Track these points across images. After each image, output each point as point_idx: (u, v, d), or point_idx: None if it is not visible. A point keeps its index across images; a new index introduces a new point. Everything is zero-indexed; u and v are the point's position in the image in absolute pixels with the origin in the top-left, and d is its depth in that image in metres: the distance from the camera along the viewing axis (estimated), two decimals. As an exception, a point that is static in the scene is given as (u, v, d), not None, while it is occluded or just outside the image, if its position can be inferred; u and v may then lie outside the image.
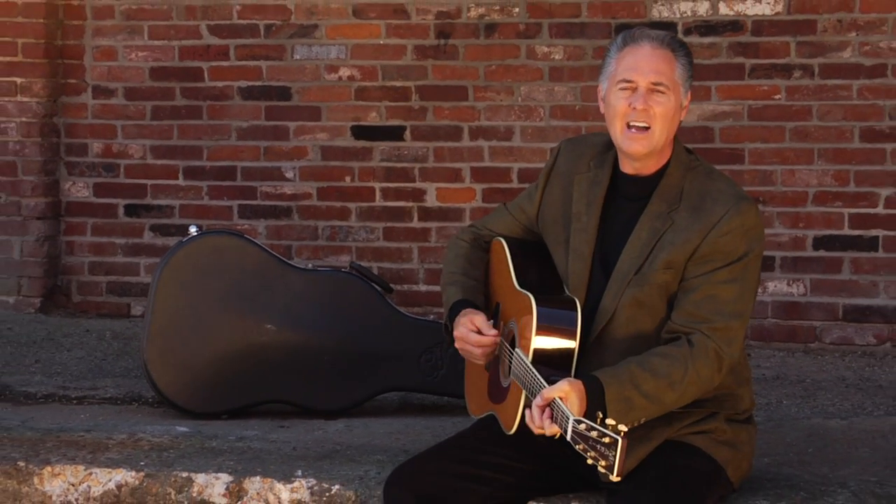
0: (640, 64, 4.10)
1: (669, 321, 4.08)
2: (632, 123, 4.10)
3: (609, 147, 4.24)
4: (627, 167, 4.20)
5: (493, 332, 4.20)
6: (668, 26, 6.99)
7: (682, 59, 4.14)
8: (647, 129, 4.10)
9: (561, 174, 4.32)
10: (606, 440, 3.68)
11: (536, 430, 3.90)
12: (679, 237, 4.09)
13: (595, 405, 3.86)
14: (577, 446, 3.74)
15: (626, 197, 4.20)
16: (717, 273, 4.06)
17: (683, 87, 4.14)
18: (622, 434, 3.67)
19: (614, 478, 3.68)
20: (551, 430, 3.85)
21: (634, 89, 4.10)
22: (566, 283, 4.22)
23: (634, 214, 4.16)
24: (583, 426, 3.72)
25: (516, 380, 4.09)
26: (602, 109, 4.20)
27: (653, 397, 3.96)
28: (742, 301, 4.08)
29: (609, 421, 3.70)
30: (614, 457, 3.66)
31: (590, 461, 3.72)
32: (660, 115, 4.09)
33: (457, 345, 4.26)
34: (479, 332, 4.21)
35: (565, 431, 3.77)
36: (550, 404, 3.86)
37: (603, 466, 3.69)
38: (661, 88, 4.09)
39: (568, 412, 3.78)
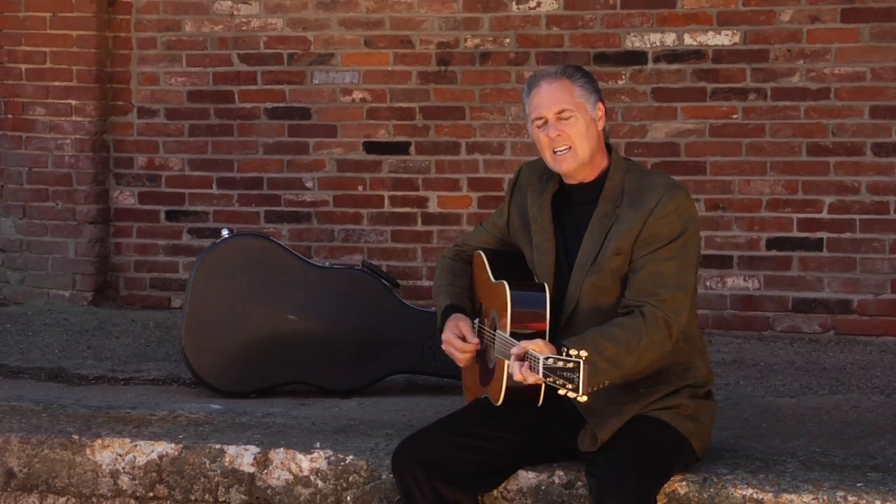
0: (543, 101, 4.19)
1: (623, 298, 4.12)
2: (556, 150, 4.17)
3: None
4: (570, 179, 4.27)
5: (476, 340, 4.26)
6: (640, 55, 6.99)
7: (578, 81, 4.21)
8: (569, 148, 4.16)
9: (521, 189, 4.41)
10: (570, 365, 3.74)
11: (517, 378, 3.91)
12: (624, 227, 4.14)
13: None
14: (548, 380, 3.78)
15: (577, 203, 4.28)
16: (658, 252, 4.10)
17: (589, 103, 4.21)
18: (584, 358, 3.73)
19: (580, 398, 3.74)
20: (532, 377, 3.86)
21: (546, 122, 4.17)
22: (535, 275, 4.29)
23: (587, 216, 4.23)
24: (550, 360, 3.78)
25: (500, 356, 4.11)
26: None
27: (614, 362, 3.98)
28: (683, 274, 4.11)
29: (572, 351, 3.76)
30: (578, 378, 3.72)
31: (561, 391, 3.76)
32: (575, 135, 4.17)
33: (444, 347, 4.30)
34: (464, 338, 4.25)
35: (538, 371, 3.80)
36: (526, 356, 3.87)
37: (571, 390, 3.74)
38: (565, 114, 4.17)
39: (539, 355, 3.82)
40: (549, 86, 4.19)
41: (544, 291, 4.16)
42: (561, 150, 4.17)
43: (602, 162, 4.24)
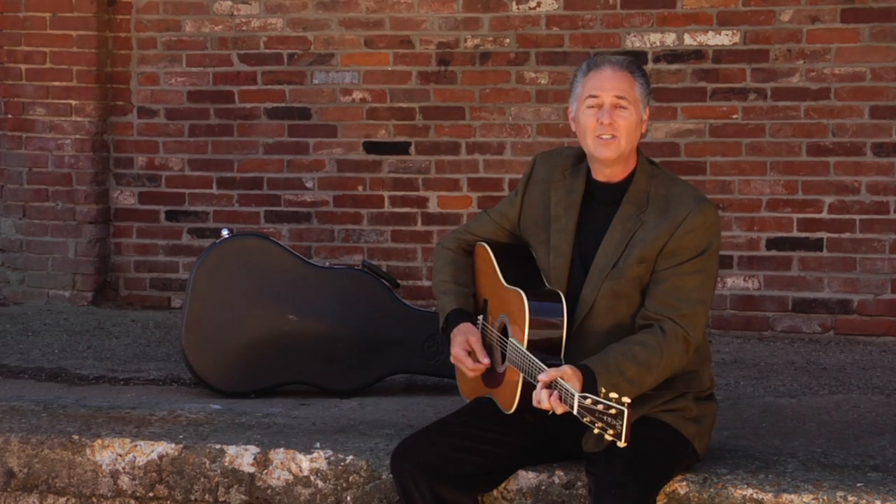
0: (604, 83, 4.12)
1: (643, 309, 4.09)
2: (600, 135, 4.11)
3: (581, 159, 4.26)
4: (599, 175, 4.20)
5: (486, 361, 4.20)
6: (640, 55, 6.98)
7: (639, 79, 4.16)
8: (613, 138, 4.10)
9: (538, 182, 4.32)
10: (613, 412, 3.67)
11: (545, 408, 3.87)
12: (649, 235, 4.09)
13: (589, 391, 3.84)
14: (584, 419, 3.72)
15: (599, 202, 4.21)
16: (683, 266, 4.07)
17: (643, 103, 4.15)
18: (627, 405, 3.66)
19: (621, 444, 3.67)
20: (560, 407, 3.83)
21: (600, 105, 4.11)
22: (547, 277, 4.22)
23: (607, 217, 4.17)
24: (588, 401, 3.71)
25: (513, 365, 4.07)
26: (573, 128, 4.21)
27: (635, 382, 3.97)
28: (704, 289, 4.09)
29: (612, 395, 3.70)
30: (621, 425, 3.65)
31: (597, 431, 3.69)
32: (623, 127, 4.11)
33: (452, 360, 4.26)
34: (472, 352, 4.21)
35: (572, 406, 3.75)
36: (553, 384, 3.84)
37: (611, 435, 3.68)
38: (623, 103, 4.11)
39: (573, 390, 3.76)
40: (613, 72, 4.13)
41: (561, 302, 4.09)
42: (604, 137, 4.11)
43: (631, 164, 4.19)
